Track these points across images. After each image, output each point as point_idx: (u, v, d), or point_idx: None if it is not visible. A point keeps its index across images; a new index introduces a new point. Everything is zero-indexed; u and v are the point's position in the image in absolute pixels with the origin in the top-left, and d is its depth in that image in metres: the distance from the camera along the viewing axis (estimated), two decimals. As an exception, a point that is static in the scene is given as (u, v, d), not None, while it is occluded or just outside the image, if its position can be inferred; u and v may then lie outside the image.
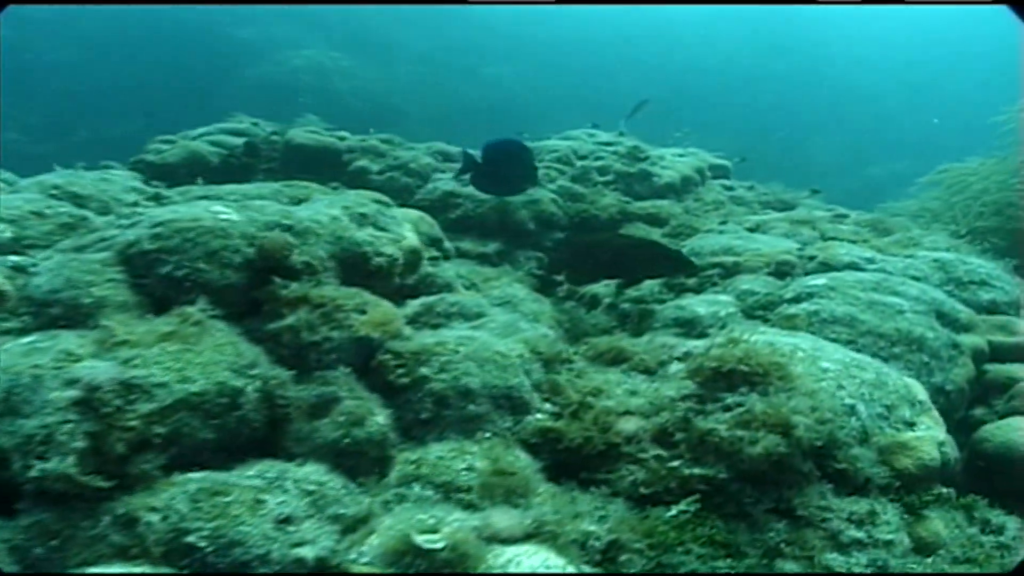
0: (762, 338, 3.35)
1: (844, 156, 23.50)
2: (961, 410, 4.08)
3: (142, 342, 2.69)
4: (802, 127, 24.41)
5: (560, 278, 6.43)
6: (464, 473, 2.81)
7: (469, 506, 2.70)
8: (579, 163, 7.76)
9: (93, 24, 19.50)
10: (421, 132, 9.29)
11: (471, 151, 5.73)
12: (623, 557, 2.62)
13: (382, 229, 3.69)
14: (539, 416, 3.20)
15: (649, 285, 5.73)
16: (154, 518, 2.42)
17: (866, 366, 3.40)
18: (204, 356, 2.71)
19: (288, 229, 3.23)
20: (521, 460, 2.98)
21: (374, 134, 7.97)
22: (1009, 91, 8.52)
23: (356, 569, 2.43)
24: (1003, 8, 4.47)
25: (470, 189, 6.74)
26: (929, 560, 2.84)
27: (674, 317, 4.63)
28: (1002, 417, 3.92)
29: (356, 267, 3.45)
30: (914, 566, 2.77)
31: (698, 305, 4.72)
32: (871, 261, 5.26)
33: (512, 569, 2.39)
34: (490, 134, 8.93)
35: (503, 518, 2.54)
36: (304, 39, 19.65)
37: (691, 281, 5.44)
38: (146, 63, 19.26)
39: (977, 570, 2.78)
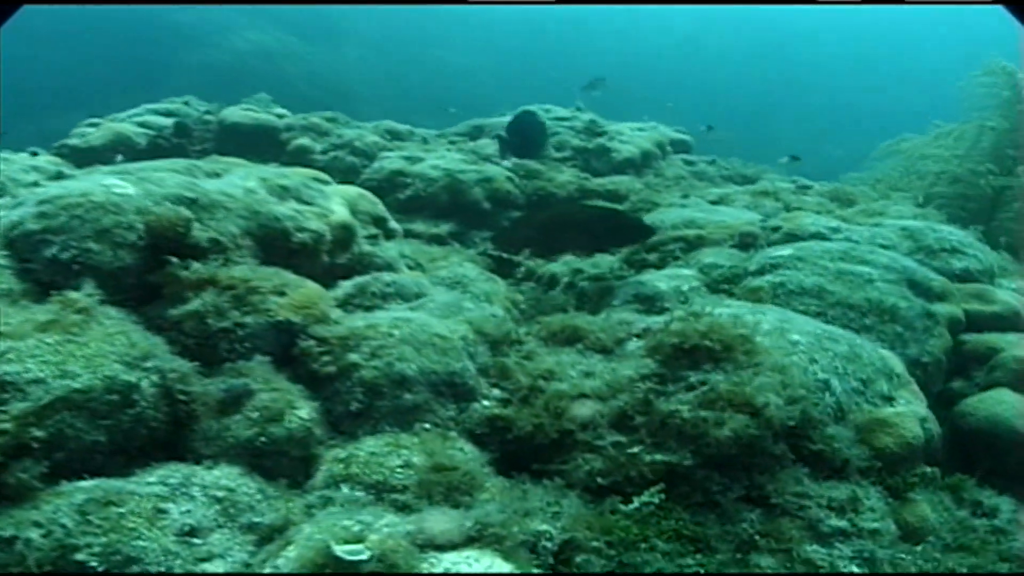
0: (726, 311, 3.06)
1: (804, 136, 23.45)
2: (939, 383, 3.84)
3: (16, 333, 2.32)
4: (762, 108, 24.32)
5: (519, 258, 6.20)
6: (399, 471, 2.49)
7: (404, 508, 2.38)
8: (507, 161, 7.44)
9: (32, 18, 18.71)
10: (373, 117, 8.89)
11: (500, 134, 7.36)
12: (579, 558, 2.32)
13: (306, 203, 3.33)
14: (486, 403, 2.88)
15: (608, 262, 5.46)
16: (34, 534, 2.09)
17: (838, 338, 3.13)
18: (90, 348, 2.35)
19: (192, 203, 2.85)
20: (465, 453, 2.67)
21: (314, 113, 7.57)
22: (970, 63, 8.31)
23: (274, 584, 2.10)
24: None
25: (417, 168, 6.43)
26: (918, 548, 2.57)
27: (634, 293, 4.33)
28: (983, 389, 3.68)
29: (276, 245, 3.09)
30: (903, 556, 2.50)
31: (660, 280, 4.43)
32: (837, 231, 5.02)
33: (450, 580, 2.07)
34: (445, 118, 8.59)
35: (440, 521, 2.22)
36: (247, 22, 18.94)
37: (652, 256, 5.16)
38: (87, 54, 18.52)
39: (973, 559, 2.52)
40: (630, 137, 7.79)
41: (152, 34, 18.24)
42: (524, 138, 7.24)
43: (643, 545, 2.39)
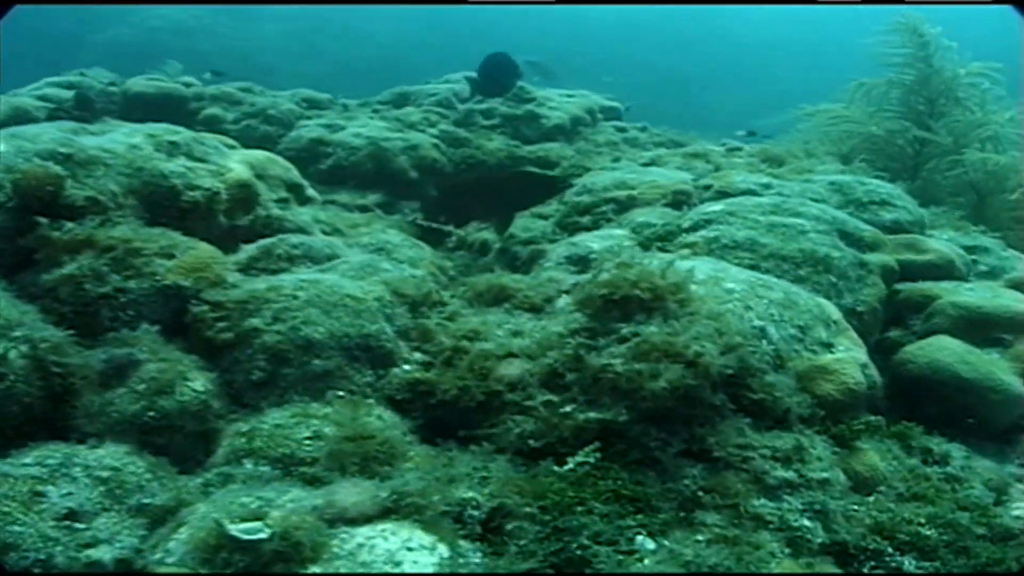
0: (656, 261, 2.89)
1: (738, 109, 23.56)
2: (876, 332, 3.77)
3: None
4: (697, 82, 24.37)
5: (450, 227, 6.10)
6: (308, 443, 2.27)
7: (314, 481, 2.16)
8: (462, 106, 7.19)
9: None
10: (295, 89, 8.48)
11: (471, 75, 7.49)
12: (511, 526, 2.13)
13: (199, 160, 3.04)
14: (407, 367, 2.67)
15: (541, 226, 5.32)
16: None
17: (773, 286, 3.00)
18: (-53, 317, 2.06)
19: (67, 159, 2.55)
20: (384, 420, 2.45)
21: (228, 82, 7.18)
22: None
23: (163, 571, 1.87)
24: None
25: (338, 136, 6.15)
26: (871, 499, 2.46)
27: (567, 255, 4.18)
28: (921, 337, 3.61)
29: (164, 204, 2.81)
30: (856, 507, 2.38)
31: (592, 241, 4.29)
32: (768, 187, 4.93)
33: (364, 556, 1.86)
34: (370, 92, 8.29)
35: (351, 493, 2.00)
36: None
37: (585, 219, 5.04)
38: (-8, 34, 17.43)
39: (930, 508, 2.42)
40: (559, 103, 7.60)
41: (60, 13, 17.28)
42: (494, 76, 7.12)
43: (579, 508, 2.21)
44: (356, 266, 2.92)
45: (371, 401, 2.54)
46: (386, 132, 6.16)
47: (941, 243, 4.48)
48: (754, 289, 2.91)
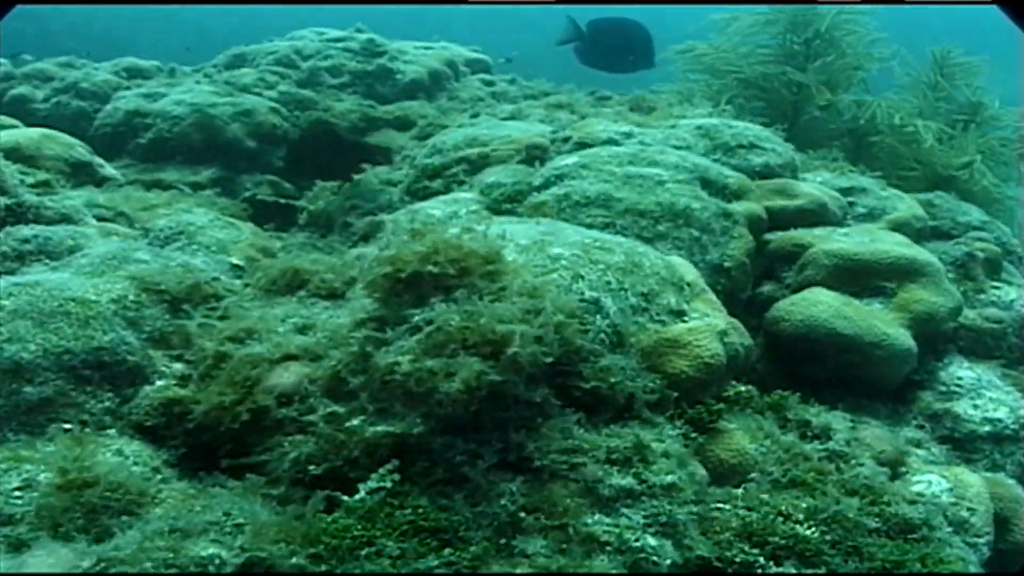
0: (458, 227, 2.40)
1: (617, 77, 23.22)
2: (747, 289, 3.44)
3: None
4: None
5: (301, 202, 5.59)
6: (17, 495, 1.74)
7: (20, 546, 1.63)
8: (305, 64, 6.52)
9: None
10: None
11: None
12: (266, 587, 1.66)
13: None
14: (160, 384, 2.14)
15: (390, 194, 4.83)
16: None
17: (613, 247, 2.57)
18: None
19: None
20: (124, 455, 1.94)
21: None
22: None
23: None
24: None
25: (158, 106, 5.44)
26: (739, 492, 2.09)
27: (404, 227, 3.68)
28: (795, 291, 3.30)
29: None
30: (721, 506, 2.00)
31: (434, 208, 3.80)
32: (629, 135, 4.52)
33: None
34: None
35: (43, 564, 1.49)
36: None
37: (436, 183, 4.56)
38: None
39: (810, 499, 2.06)
40: (415, 56, 6.99)
41: None
42: (611, 45, 5.79)
43: (366, 550, 1.76)
44: (98, 259, 2.35)
45: (113, 431, 2.01)
46: (213, 98, 5.47)
47: (813, 186, 4.18)
48: (588, 254, 2.47)
